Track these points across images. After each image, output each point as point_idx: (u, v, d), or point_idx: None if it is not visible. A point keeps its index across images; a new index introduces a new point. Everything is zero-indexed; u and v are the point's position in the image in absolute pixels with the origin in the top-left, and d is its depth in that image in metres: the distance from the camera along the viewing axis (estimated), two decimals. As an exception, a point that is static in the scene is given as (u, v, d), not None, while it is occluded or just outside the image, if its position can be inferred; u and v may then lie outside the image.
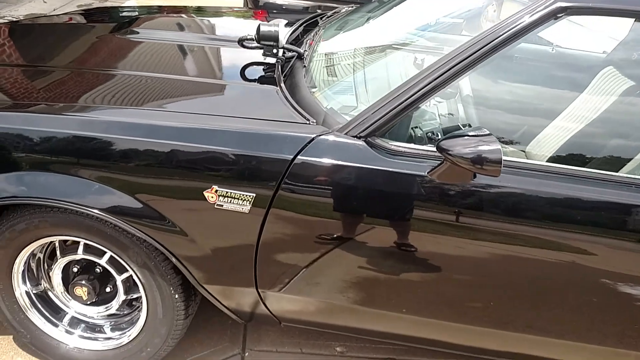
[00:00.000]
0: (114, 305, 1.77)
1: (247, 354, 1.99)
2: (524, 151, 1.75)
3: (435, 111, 1.77)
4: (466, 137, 1.32)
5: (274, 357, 1.98)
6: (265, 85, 1.77)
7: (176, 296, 1.64)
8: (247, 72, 1.87)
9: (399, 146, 1.44)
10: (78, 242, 1.66)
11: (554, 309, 1.55)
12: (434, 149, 1.42)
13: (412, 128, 1.60)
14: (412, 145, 1.46)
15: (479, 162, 1.30)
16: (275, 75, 1.77)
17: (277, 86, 1.69)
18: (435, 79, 1.40)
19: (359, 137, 1.43)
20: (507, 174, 1.37)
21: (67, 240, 1.70)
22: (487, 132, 1.32)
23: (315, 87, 1.69)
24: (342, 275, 1.56)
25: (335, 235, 1.48)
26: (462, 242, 1.46)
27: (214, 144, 1.45)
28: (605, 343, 1.59)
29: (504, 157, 1.28)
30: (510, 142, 1.76)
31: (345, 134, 1.44)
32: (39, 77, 1.90)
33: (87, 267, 1.74)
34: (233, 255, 1.56)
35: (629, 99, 1.76)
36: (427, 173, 1.39)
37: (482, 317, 1.61)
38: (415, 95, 1.40)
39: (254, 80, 1.81)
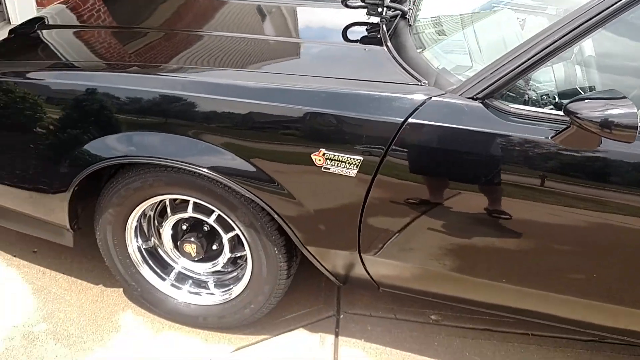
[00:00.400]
0: (220, 262, 1.83)
1: (341, 316, 2.01)
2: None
3: (551, 73, 1.66)
4: (596, 100, 1.23)
5: (368, 321, 1.99)
6: (370, 45, 1.72)
7: (280, 256, 1.67)
8: (349, 32, 1.83)
9: (518, 109, 1.36)
10: (187, 201, 1.72)
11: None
12: (557, 112, 1.34)
13: (527, 91, 1.51)
14: (532, 108, 1.37)
15: (607, 126, 1.21)
16: (379, 35, 1.72)
17: (382, 46, 1.64)
18: (560, 39, 1.30)
19: (475, 99, 1.36)
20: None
21: (176, 199, 1.76)
22: (621, 95, 1.22)
23: (423, 47, 1.62)
24: (451, 242, 1.52)
25: (445, 202, 1.43)
26: (576, 211, 1.38)
27: (321, 106, 1.43)
28: None
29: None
30: None
31: (460, 95, 1.37)
32: (134, 38, 1.96)
33: (195, 225, 1.80)
34: (338, 219, 1.55)
35: None
36: (551, 138, 1.31)
37: (587, 289, 1.53)
38: (539, 55, 1.31)
39: (357, 41, 1.77)
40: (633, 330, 1.60)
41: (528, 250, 1.51)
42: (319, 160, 1.45)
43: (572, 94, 1.45)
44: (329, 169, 1.46)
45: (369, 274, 1.69)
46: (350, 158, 1.43)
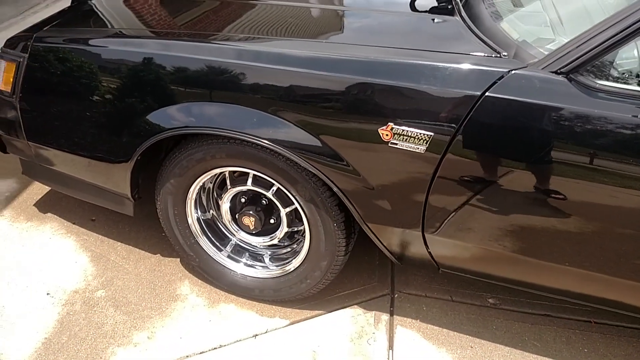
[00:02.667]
0: (277, 236, 1.82)
1: (396, 295, 1.98)
2: None
3: (634, 48, 1.55)
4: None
5: (423, 302, 1.95)
6: (439, 15, 1.64)
7: (339, 232, 1.64)
8: (418, 1, 1.75)
9: (605, 85, 1.27)
10: (247, 174, 1.70)
11: None
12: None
13: (612, 67, 1.41)
14: (621, 85, 1.28)
15: None
16: (450, 5, 1.63)
17: (456, 17, 1.56)
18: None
19: (560, 73, 1.28)
20: None
21: (236, 172, 1.75)
22: None
23: (499, 17, 1.53)
24: (523, 224, 1.45)
25: (518, 182, 1.36)
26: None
27: (392, 79, 1.37)
28: None
29: None
30: None
31: (543, 68, 1.29)
32: (192, 6, 1.93)
33: (253, 199, 1.79)
34: (403, 196, 1.50)
35: None
36: (640, 116, 1.22)
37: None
38: (632, 27, 1.21)
39: (428, 11, 1.69)
40: None
41: (598, 235, 1.43)
42: (387, 135, 1.40)
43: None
44: (396, 144, 1.40)
45: (430, 254, 1.64)
46: (420, 134, 1.37)
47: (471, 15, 1.56)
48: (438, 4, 1.68)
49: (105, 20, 1.98)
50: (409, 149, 1.40)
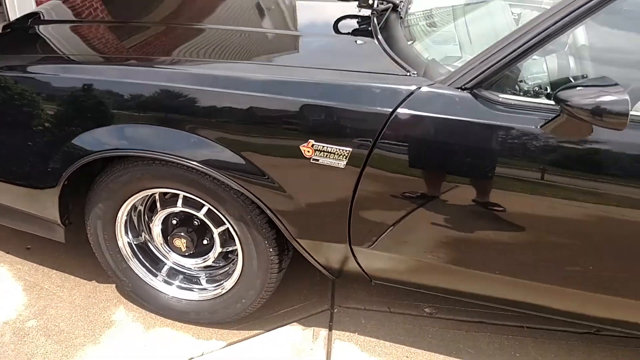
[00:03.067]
0: (211, 257, 1.82)
1: (335, 310, 2.00)
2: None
3: (544, 63, 1.64)
4: (587, 87, 1.22)
5: (362, 315, 1.98)
6: (361, 37, 1.71)
7: (270, 250, 1.65)
8: (340, 25, 1.82)
9: (508, 99, 1.35)
10: (177, 195, 1.70)
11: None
12: (548, 101, 1.33)
13: (518, 81, 1.50)
14: (522, 98, 1.36)
15: (598, 113, 1.19)
16: (370, 28, 1.70)
17: (373, 38, 1.63)
18: (548, 28, 1.28)
19: (464, 89, 1.35)
20: (632, 130, 1.25)
21: (166, 193, 1.75)
22: (613, 82, 1.20)
23: (414, 39, 1.61)
24: (441, 234, 1.50)
25: (434, 193, 1.42)
26: (566, 202, 1.36)
27: (310, 97, 1.42)
28: None
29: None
30: None
31: (449, 85, 1.36)
32: (133, 33, 1.94)
33: (185, 220, 1.79)
34: (328, 211, 1.54)
35: None
36: (540, 127, 1.30)
37: (581, 280, 1.51)
38: (527, 44, 1.29)
39: (348, 33, 1.76)
40: (628, 321, 1.59)
41: (520, 242, 1.49)
42: (308, 151, 1.44)
43: (564, 84, 1.44)
44: (317, 160, 1.44)
45: (360, 266, 1.67)
46: (339, 149, 1.42)
47: (388, 37, 1.63)
48: (359, 26, 1.75)
49: (45, 45, 1.95)
50: (330, 165, 1.44)
